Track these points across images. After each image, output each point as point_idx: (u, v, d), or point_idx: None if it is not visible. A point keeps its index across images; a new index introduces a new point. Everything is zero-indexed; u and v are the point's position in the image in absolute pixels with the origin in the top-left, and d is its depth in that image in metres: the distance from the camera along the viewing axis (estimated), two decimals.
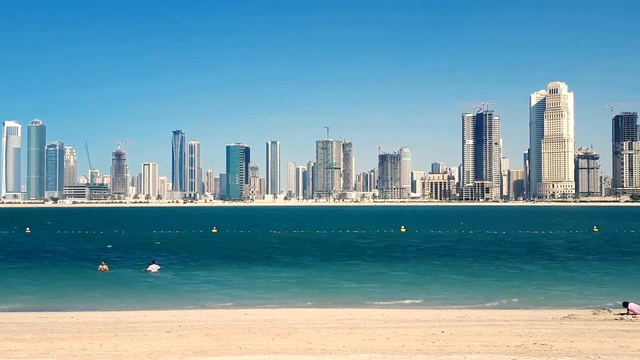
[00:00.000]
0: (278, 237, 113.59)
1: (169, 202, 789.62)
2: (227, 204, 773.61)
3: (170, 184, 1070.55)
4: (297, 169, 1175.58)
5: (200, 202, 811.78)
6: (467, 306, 39.59)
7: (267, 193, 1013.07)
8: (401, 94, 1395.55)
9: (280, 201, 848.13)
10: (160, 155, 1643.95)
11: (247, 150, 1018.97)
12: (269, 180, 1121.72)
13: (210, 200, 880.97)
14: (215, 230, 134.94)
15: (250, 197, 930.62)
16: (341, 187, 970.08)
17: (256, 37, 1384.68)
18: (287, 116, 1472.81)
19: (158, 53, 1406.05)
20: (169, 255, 76.82)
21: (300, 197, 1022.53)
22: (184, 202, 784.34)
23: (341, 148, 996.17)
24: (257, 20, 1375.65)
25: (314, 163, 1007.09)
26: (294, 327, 29.00)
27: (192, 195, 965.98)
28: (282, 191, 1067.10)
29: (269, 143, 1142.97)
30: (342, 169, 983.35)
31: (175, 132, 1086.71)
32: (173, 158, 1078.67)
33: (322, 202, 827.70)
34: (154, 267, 59.40)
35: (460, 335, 26.34)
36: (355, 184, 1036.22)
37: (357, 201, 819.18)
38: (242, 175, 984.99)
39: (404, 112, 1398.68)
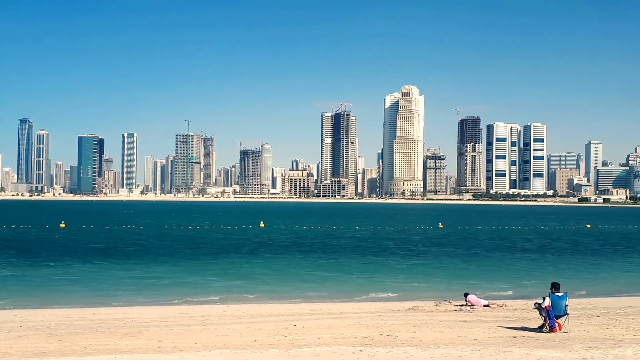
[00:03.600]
0: (136, 233, 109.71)
1: (13, 195, 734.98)
2: (78, 197, 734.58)
3: (16, 175, 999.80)
4: (155, 163, 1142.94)
5: (48, 196, 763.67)
6: (321, 300, 40.61)
7: (123, 187, 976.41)
8: (263, 91, 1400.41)
9: (136, 195, 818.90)
10: (5, 144, 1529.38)
11: (101, 142, 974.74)
12: (125, 173, 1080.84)
13: (60, 193, 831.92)
14: (63, 225, 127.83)
15: (104, 190, 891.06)
16: (201, 182, 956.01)
17: (114, 24, 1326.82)
18: (145, 108, 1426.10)
19: (1, 34, 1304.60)
20: (6, 251, 71.56)
21: (158, 191, 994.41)
22: (30, 195, 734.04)
23: (202, 142, 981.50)
24: (117, 7, 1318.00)
25: (173, 157, 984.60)
26: (145, 326, 28.24)
27: (40, 188, 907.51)
28: (138, 185, 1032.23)
29: (125, 135, 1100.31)
30: (202, 164, 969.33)
31: (22, 121, 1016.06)
32: (19, 148, 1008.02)
33: (181, 197, 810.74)
34: None
35: (312, 328, 26.98)
36: (215, 179, 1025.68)
37: (217, 196, 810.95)
38: (95, 167, 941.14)
39: (266, 109, 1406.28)
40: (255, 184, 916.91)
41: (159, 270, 56.03)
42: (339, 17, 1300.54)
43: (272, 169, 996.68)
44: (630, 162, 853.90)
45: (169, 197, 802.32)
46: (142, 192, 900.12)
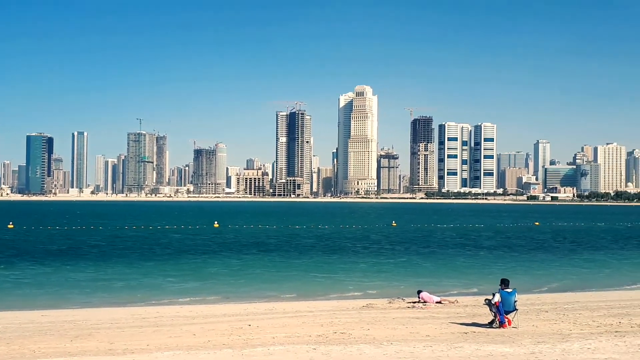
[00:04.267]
0: (88, 233, 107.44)
1: None
2: (26, 198, 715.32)
3: None
4: (107, 162, 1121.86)
5: None
6: (276, 299, 40.59)
7: (73, 187, 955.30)
8: (217, 90, 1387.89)
9: (87, 195, 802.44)
10: None
11: (50, 141, 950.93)
12: (75, 173, 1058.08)
13: (7, 194, 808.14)
14: (11, 226, 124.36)
15: (53, 191, 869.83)
16: (154, 181, 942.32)
17: (66, 23, 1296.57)
18: (96, 106, 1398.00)
19: None
20: None
21: (109, 191, 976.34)
22: None
23: (154, 141, 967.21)
24: (68, 8, 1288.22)
25: (125, 156, 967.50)
26: (96, 328, 27.73)
27: None
28: (89, 185, 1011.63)
29: (75, 134, 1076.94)
30: (155, 163, 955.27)
31: None
32: None
33: (133, 196, 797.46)
34: None
35: (266, 327, 26.95)
36: (169, 179, 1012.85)
37: (170, 196, 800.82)
38: (44, 167, 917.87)
39: (220, 108, 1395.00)
40: (209, 184, 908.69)
41: (112, 271, 55.08)
42: (293, 16, 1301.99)
43: (227, 168, 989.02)
44: (577, 161, 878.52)
45: (120, 197, 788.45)
46: (92, 192, 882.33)
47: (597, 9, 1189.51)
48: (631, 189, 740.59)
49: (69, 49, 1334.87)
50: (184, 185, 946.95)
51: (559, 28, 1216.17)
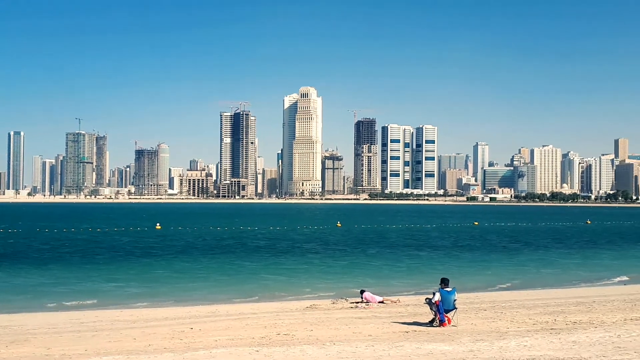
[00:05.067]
0: (27, 237, 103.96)
1: None
2: None
3: None
4: (44, 163, 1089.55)
5: None
6: (219, 301, 40.25)
7: (9, 188, 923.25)
8: (160, 89, 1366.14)
9: (23, 197, 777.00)
10: None
11: None
12: (11, 174, 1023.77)
13: None
14: None
15: None
16: (94, 182, 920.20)
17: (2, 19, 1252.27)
18: (33, 105, 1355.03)
19: None
20: None
21: (47, 193, 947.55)
22: None
23: (94, 141, 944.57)
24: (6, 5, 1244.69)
25: (64, 157, 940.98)
26: (33, 333, 26.91)
27: None
28: (25, 186, 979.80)
29: (12, 134, 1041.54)
30: (95, 164, 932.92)
31: None
32: None
33: (72, 198, 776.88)
34: None
35: (208, 330, 26.72)
36: (109, 180, 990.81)
37: (111, 198, 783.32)
38: None
39: (163, 108, 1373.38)
40: (151, 185, 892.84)
41: (50, 275, 53.53)
42: (237, 16, 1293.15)
43: (170, 169, 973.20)
44: (514, 162, 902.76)
45: (59, 199, 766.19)
46: (29, 194, 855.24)
47: (534, 11, 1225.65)
48: (566, 190, 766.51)
49: (3, 49, 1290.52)
50: (125, 187, 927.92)
51: (498, 31, 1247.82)
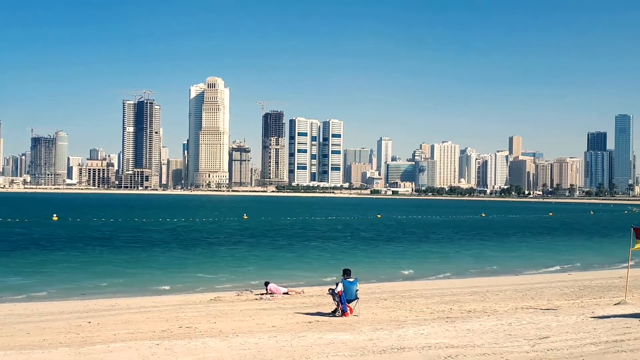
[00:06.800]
0: None
1: None
2: None
3: None
4: None
5: None
6: (120, 294, 39.19)
7: None
8: (58, 75, 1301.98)
9: None
10: None
11: None
12: None
13: None
14: None
15: None
16: None
17: None
18: None
19: None
20: None
21: None
22: None
23: None
24: None
25: None
26: None
27: None
28: None
29: None
30: None
31: None
32: None
33: None
34: None
35: (107, 324, 26.02)
36: (3, 169, 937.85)
37: (4, 187, 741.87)
38: None
39: (62, 94, 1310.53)
40: (48, 174, 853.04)
41: None
42: (143, 2, 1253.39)
43: (68, 158, 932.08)
44: (416, 157, 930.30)
45: None
46: None
47: (438, 5, 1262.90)
48: (463, 184, 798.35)
49: None
50: (21, 176, 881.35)
51: (397, 28, 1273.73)
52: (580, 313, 25.39)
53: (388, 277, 49.17)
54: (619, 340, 19.05)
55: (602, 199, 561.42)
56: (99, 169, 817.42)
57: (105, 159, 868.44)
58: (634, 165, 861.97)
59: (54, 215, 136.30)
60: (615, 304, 28.77)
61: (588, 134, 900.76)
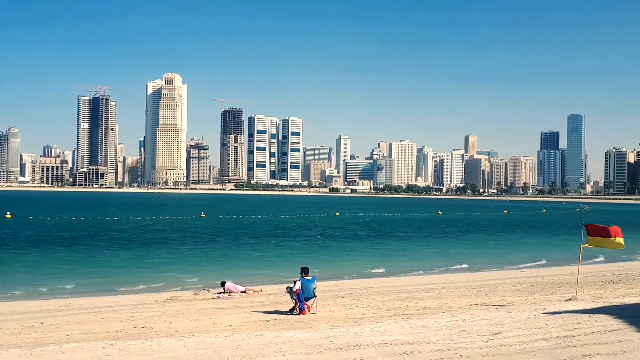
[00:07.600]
0: None
1: None
2: None
3: None
4: None
5: None
6: (73, 295, 38.48)
7: None
8: (10, 70, 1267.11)
9: None
10: None
11: None
12: None
13: None
14: None
15: None
16: None
17: None
18: None
19: None
20: None
21: None
22: None
23: None
24: None
25: None
26: None
27: None
28: None
29: None
30: None
31: None
32: None
33: None
34: None
35: (60, 325, 25.51)
36: None
37: None
38: None
39: (14, 90, 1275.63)
40: (0, 172, 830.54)
41: None
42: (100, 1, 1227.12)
43: (21, 155, 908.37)
44: (374, 156, 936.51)
45: None
46: None
47: (393, 10, 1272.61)
48: (420, 182, 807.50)
49: None
50: None
51: (356, 27, 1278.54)
52: (533, 309, 25.93)
53: (345, 275, 49.43)
54: (570, 335, 19.52)
55: (555, 197, 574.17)
56: (52, 167, 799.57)
57: (59, 156, 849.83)
58: (585, 164, 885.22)
59: (7, 213, 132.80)
60: (566, 300, 29.47)
61: (541, 133, 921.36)
